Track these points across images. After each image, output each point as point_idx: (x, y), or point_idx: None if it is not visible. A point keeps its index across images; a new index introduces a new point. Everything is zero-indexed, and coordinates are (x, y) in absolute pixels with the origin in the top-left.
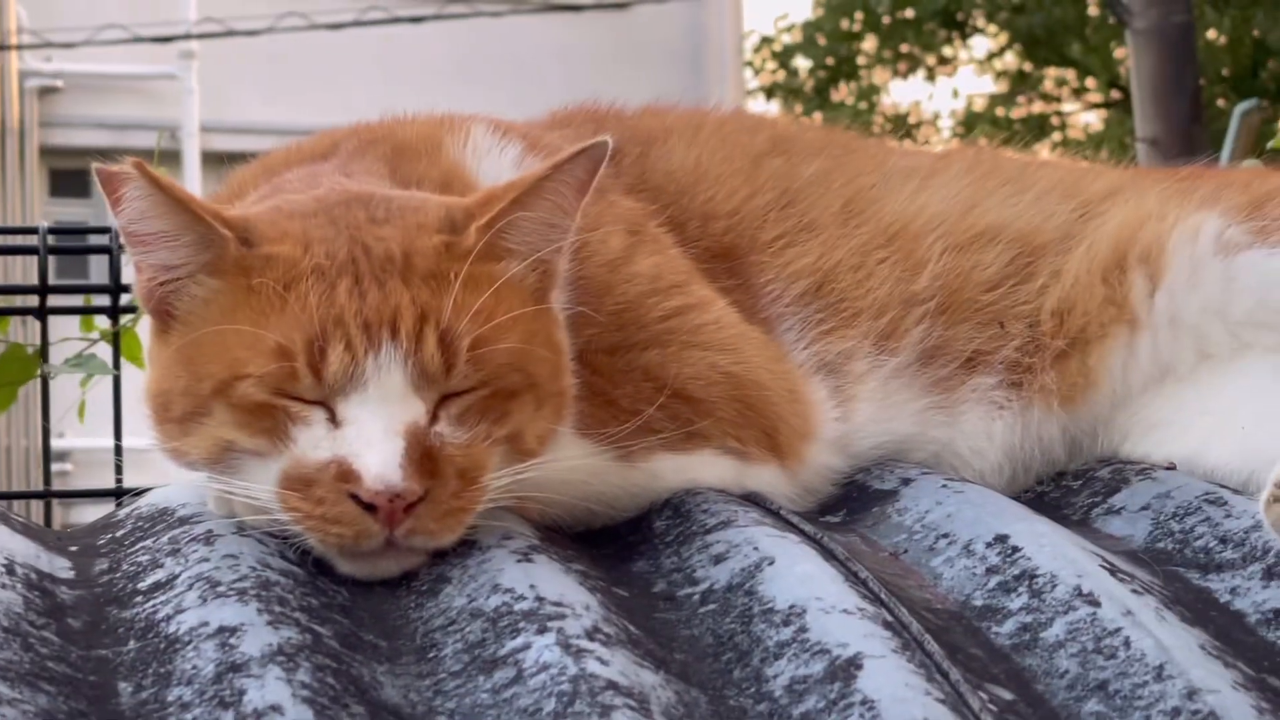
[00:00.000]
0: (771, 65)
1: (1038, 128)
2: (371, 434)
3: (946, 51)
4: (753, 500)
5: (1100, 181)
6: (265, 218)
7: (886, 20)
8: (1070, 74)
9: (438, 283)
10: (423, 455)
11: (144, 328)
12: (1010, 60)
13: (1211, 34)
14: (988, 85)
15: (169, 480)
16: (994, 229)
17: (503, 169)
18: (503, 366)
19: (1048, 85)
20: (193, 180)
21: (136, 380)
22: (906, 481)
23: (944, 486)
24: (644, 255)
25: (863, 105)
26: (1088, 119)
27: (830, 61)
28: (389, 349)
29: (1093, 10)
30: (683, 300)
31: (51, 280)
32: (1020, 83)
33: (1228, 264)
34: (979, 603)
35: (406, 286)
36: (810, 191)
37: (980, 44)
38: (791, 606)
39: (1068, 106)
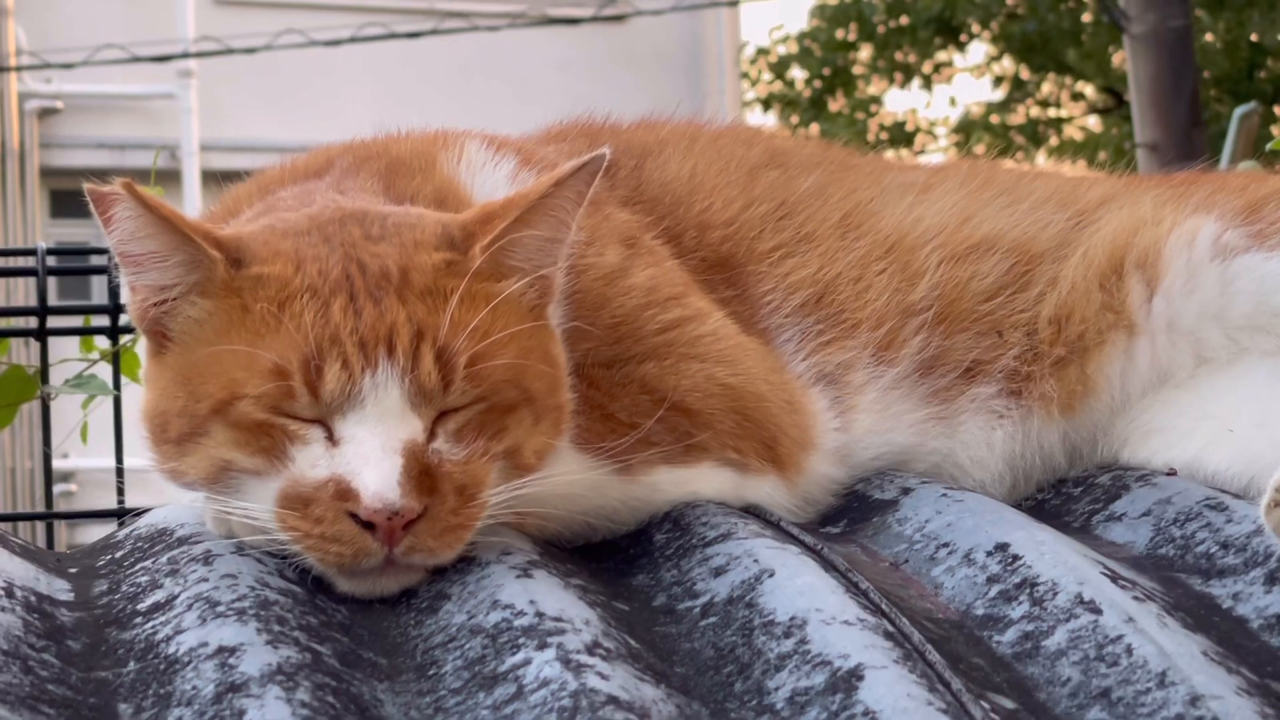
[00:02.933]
0: (768, 76)
1: (1034, 134)
2: (369, 452)
3: (941, 58)
4: (752, 512)
5: (1095, 189)
6: (257, 237)
7: (881, 29)
8: (1066, 80)
9: (434, 299)
10: (421, 472)
11: (143, 348)
12: (1007, 66)
13: (1208, 37)
14: (985, 92)
15: (169, 501)
16: (990, 239)
17: (497, 184)
18: (500, 382)
19: (1044, 91)
20: (193, 199)
21: (137, 400)
22: (906, 491)
23: (944, 495)
24: (640, 268)
25: (859, 115)
26: (1085, 125)
27: (826, 72)
28: (386, 366)
29: (1087, 16)
30: (680, 312)
31: (52, 301)
32: (1017, 89)
33: (1225, 268)
34: (980, 612)
35: (403, 304)
36: (808, 204)
37: (976, 51)
38: (792, 618)
39: (1065, 113)
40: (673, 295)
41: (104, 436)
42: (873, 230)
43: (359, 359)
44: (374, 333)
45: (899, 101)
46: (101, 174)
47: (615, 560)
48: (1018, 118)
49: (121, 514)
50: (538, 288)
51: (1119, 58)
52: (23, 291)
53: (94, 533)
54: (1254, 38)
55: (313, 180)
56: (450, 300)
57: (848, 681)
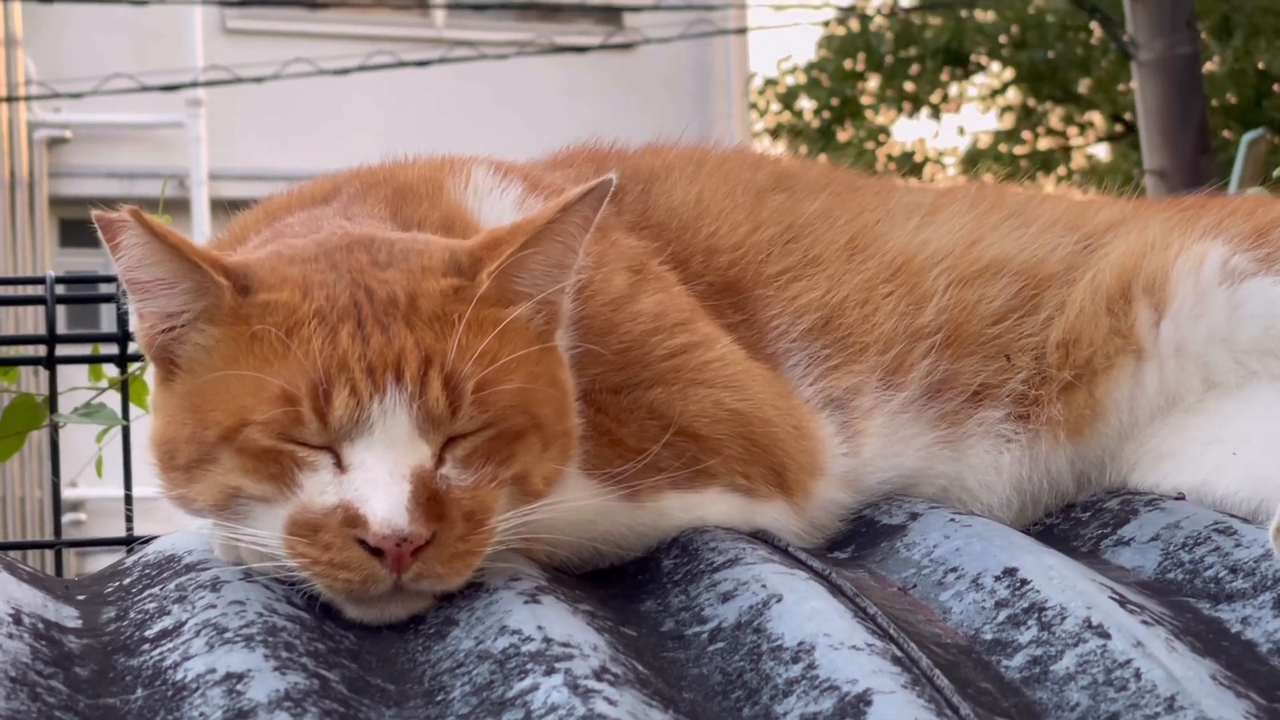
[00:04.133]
0: (776, 107)
1: (1043, 163)
2: (378, 478)
3: (951, 89)
4: (760, 537)
5: (1103, 213)
6: (264, 264)
7: (889, 59)
8: (1074, 109)
9: (442, 325)
10: (429, 498)
11: (151, 375)
12: (1015, 96)
13: (1215, 64)
14: (993, 121)
15: (177, 528)
16: (998, 262)
17: (504, 210)
18: (508, 408)
19: (1053, 120)
20: (201, 227)
21: (146, 429)
22: (914, 516)
23: (952, 520)
24: (647, 293)
25: (868, 145)
26: (1094, 153)
27: (835, 102)
28: (394, 393)
29: (1096, 43)
30: (687, 338)
31: (61, 329)
32: (1025, 118)
33: (1233, 292)
34: (988, 636)
35: (410, 330)
36: (814, 227)
37: (985, 80)
38: (800, 643)
39: (1073, 141)
40: (680, 321)
41: (113, 465)
42: (880, 252)
43: (367, 385)
44: (382, 359)
45: (908, 131)
46: (110, 203)
47: (623, 586)
48: (1026, 147)
49: (130, 542)
50: (545, 313)
51: (1127, 86)
52: (31, 320)
53: (102, 562)
54: (1261, 65)
55: (320, 207)
56: (457, 326)
57: (856, 706)
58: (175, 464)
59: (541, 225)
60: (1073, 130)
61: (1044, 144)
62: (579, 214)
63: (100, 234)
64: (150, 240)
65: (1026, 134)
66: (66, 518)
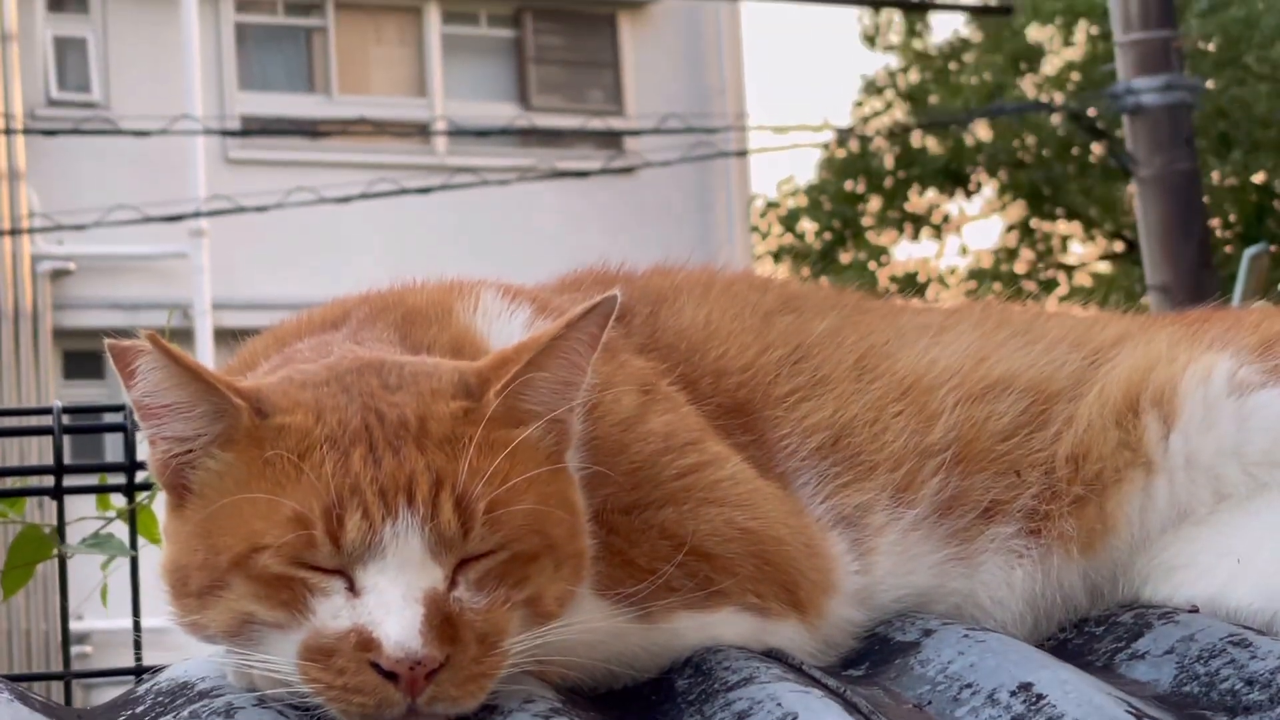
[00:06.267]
0: (778, 229)
1: (1045, 282)
2: (391, 601)
3: (951, 209)
4: (774, 656)
5: (1109, 328)
6: (277, 388)
7: (889, 181)
8: (1076, 225)
9: (453, 447)
10: (442, 621)
11: (162, 503)
12: (1014, 213)
13: (1215, 179)
14: (995, 234)
15: (188, 655)
16: (1006, 379)
17: (513, 332)
18: (520, 529)
19: (1054, 238)
20: (206, 358)
21: (154, 559)
22: (928, 632)
23: (965, 636)
24: (657, 414)
25: (871, 265)
26: (1095, 269)
27: (836, 224)
28: (406, 515)
29: (1094, 161)
30: (697, 457)
31: (67, 460)
32: (1025, 235)
33: (1241, 404)
34: None
35: (421, 452)
36: (822, 347)
37: (985, 200)
38: None
39: (1074, 252)
40: (690, 441)
41: (120, 597)
42: (888, 372)
43: (379, 508)
44: (394, 482)
45: (909, 252)
46: (114, 334)
47: (638, 707)
48: (1027, 265)
49: (139, 672)
50: (555, 434)
51: (1128, 204)
52: (36, 451)
53: (109, 695)
54: (1260, 179)
55: (329, 331)
56: (468, 448)
57: None
58: (187, 591)
59: (547, 343)
60: (1074, 242)
61: (1045, 261)
62: (584, 330)
63: (113, 362)
64: (168, 364)
65: (1027, 252)
66: (72, 650)
